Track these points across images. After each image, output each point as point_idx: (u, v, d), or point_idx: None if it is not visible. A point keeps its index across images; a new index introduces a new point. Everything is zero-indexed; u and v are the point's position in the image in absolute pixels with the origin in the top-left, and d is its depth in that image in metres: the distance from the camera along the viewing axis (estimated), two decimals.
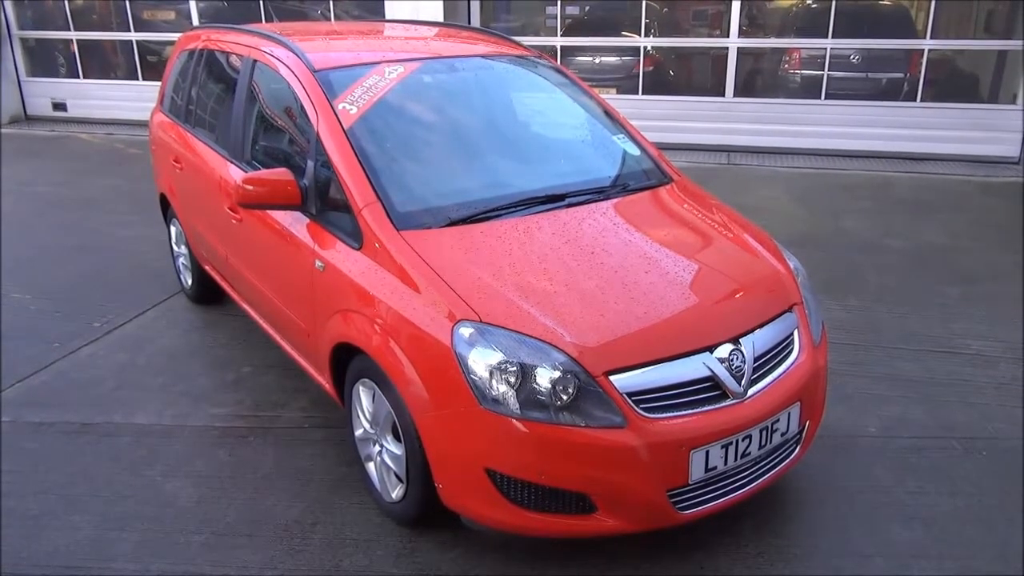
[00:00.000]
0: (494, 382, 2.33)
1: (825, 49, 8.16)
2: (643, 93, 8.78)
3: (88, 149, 9.29)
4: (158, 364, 4.05)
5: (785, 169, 7.85)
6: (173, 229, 4.84)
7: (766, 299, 2.76)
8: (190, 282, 4.72)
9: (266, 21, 9.50)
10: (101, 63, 10.78)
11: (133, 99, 10.14)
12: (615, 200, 3.15)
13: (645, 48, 8.74)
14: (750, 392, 2.51)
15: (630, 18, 8.77)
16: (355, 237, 2.82)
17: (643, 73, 8.77)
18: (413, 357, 2.51)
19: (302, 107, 3.17)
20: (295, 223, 3.12)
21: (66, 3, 10.47)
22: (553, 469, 2.35)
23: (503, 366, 2.33)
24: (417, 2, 8.49)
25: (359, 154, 2.94)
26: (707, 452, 2.41)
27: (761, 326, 2.63)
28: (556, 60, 5.17)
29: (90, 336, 4.35)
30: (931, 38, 7.90)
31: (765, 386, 2.56)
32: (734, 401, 2.46)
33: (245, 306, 3.97)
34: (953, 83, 8.22)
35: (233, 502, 2.98)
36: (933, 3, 7.78)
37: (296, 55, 3.34)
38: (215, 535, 2.80)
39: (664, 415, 2.37)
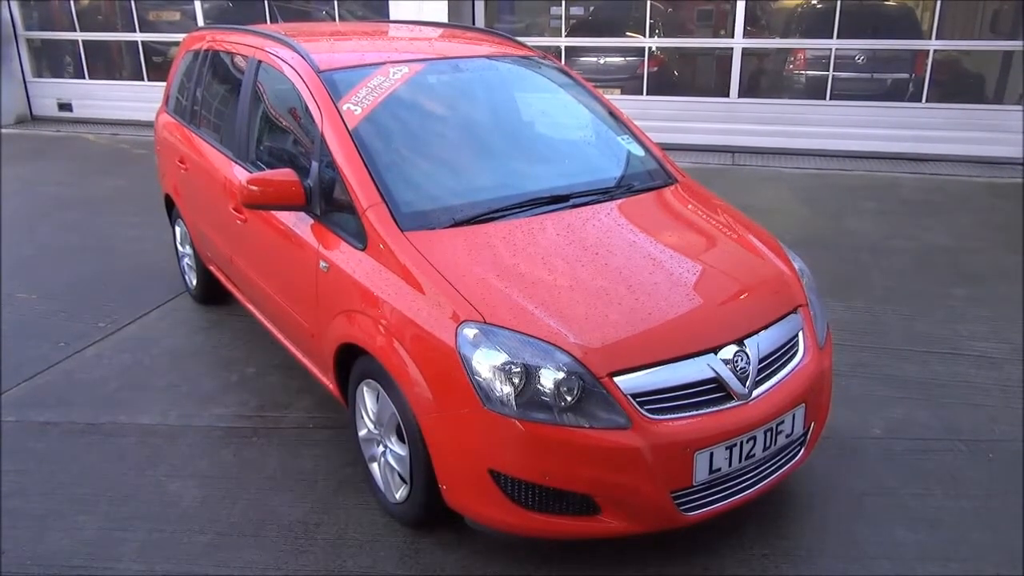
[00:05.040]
0: (498, 383, 2.33)
1: (830, 50, 8.15)
2: (647, 94, 8.78)
3: (93, 149, 9.31)
4: (163, 364, 4.05)
5: (789, 170, 7.84)
6: (178, 229, 4.85)
7: (771, 300, 2.75)
8: (195, 282, 4.73)
9: (271, 22, 9.51)
10: (106, 64, 10.82)
11: (138, 100, 10.19)
12: (620, 201, 3.15)
13: (649, 49, 8.73)
14: (755, 394, 2.50)
15: (634, 19, 8.76)
16: (359, 238, 2.82)
17: (647, 74, 8.77)
18: (417, 358, 2.51)
19: (306, 108, 3.18)
20: (299, 224, 3.12)
21: (72, 4, 10.51)
22: (557, 470, 2.35)
23: (507, 367, 2.33)
24: (421, 2, 8.50)
25: (363, 155, 2.94)
26: (711, 454, 2.40)
27: (766, 327, 2.62)
28: (560, 61, 5.17)
29: (95, 336, 4.36)
30: (936, 39, 7.89)
31: (770, 388, 2.55)
32: (739, 403, 2.46)
33: (249, 307, 3.97)
34: (958, 84, 8.19)
35: (237, 502, 2.98)
36: (938, 3, 7.77)
37: (301, 56, 3.34)
38: (219, 535, 2.81)
39: (668, 416, 2.37)
